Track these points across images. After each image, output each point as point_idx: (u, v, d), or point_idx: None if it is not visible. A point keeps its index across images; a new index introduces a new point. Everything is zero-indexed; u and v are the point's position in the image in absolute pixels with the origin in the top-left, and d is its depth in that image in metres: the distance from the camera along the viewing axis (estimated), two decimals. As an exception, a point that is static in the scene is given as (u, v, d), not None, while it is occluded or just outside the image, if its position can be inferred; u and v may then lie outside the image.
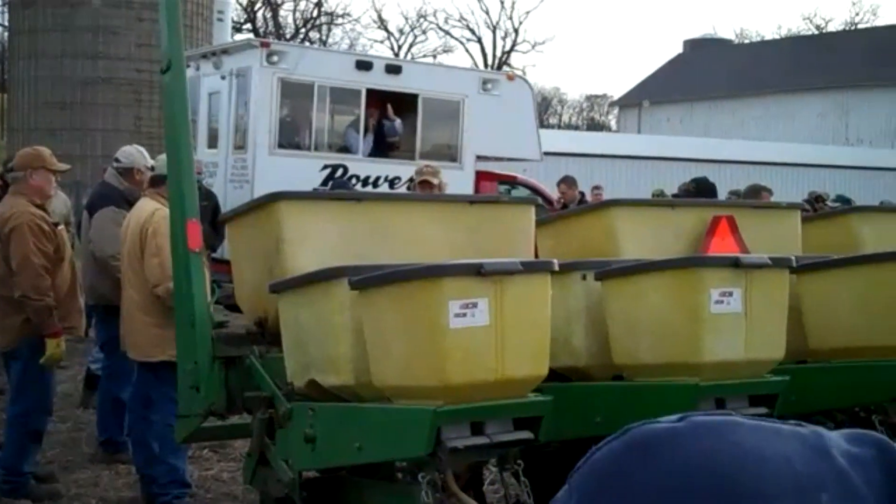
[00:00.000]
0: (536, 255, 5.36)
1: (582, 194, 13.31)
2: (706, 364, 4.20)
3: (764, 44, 58.79)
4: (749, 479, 0.69)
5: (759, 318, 4.26)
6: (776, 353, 4.37)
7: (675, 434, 0.73)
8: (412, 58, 47.96)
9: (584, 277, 4.61)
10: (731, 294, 4.19)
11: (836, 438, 0.75)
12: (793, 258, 4.53)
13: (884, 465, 0.73)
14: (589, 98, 69.77)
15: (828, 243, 5.84)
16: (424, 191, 7.57)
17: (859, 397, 4.88)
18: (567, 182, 12.79)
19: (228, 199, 11.17)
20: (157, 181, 6.04)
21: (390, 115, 12.44)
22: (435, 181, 7.79)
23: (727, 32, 63.67)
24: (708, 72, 50.46)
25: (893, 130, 43.50)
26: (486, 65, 51.74)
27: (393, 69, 12.58)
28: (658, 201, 7.81)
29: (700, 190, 7.76)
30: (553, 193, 13.36)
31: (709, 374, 4.21)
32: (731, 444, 0.71)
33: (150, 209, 5.94)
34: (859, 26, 58.48)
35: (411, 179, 9.94)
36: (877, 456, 0.74)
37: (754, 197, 7.80)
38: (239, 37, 31.90)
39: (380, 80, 12.27)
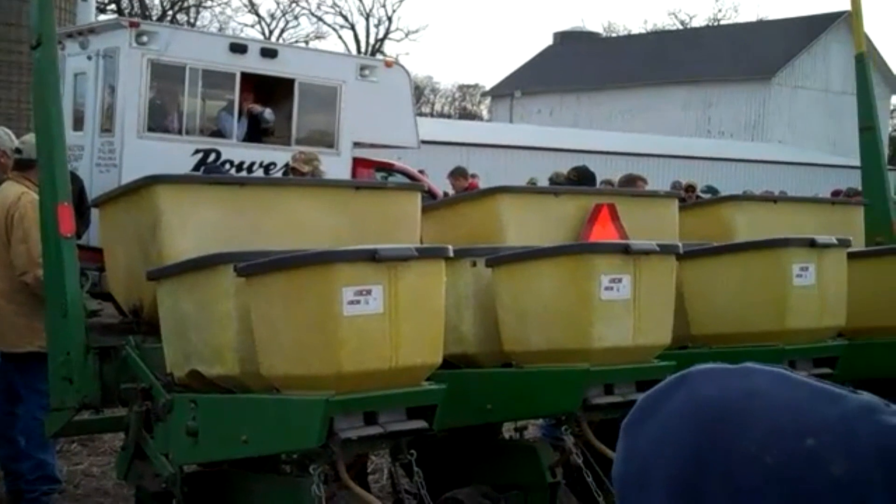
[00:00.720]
0: (422, 243, 5.30)
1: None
2: (596, 350, 4.23)
3: (630, 37, 60.23)
4: (736, 414, 0.83)
5: (648, 305, 4.31)
6: (663, 339, 4.43)
7: (704, 373, 0.90)
8: (284, 43, 47.29)
9: (473, 264, 4.58)
10: (620, 280, 4.22)
11: (879, 404, 0.81)
12: (679, 245, 4.60)
13: None
14: (461, 87, 70.14)
15: (702, 231, 5.96)
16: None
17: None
18: (455, 174, 12.80)
19: (95, 184, 10.74)
20: (23, 164, 5.73)
21: (258, 106, 12.19)
22: (305, 168, 7.64)
23: (595, 26, 64.93)
24: (577, 64, 51.39)
25: (753, 123, 45.20)
26: (359, 52, 51.41)
27: (269, 53, 12.31)
28: (542, 189, 7.86)
29: (581, 179, 7.84)
30: (427, 180, 13.33)
31: (598, 359, 4.24)
32: (741, 383, 0.86)
33: (16, 193, 5.64)
34: (722, 22, 60.49)
35: (287, 165, 9.76)
36: None
37: (630, 186, 7.92)
38: (102, 17, 30.82)
39: (255, 64, 11.98)
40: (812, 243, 4.81)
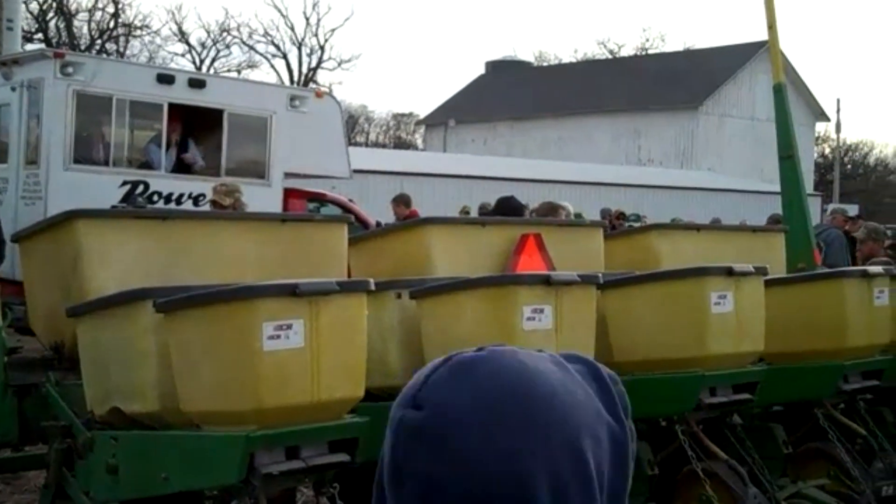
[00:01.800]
0: (349, 274, 5.30)
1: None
2: (520, 380, 4.25)
3: (561, 67, 61.03)
4: (528, 384, 0.97)
5: (569, 334, 4.35)
6: (585, 368, 4.47)
7: (480, 358, 1.02)
8: (215, 72, 47.00)
9: (398, 296, 4.59)
10: (542, 311, 4.27)
11: (561, 359, 1.04)
12: (599, 275, 4.66)
13: (593, 374, 1.04)
14: (396, 116, 70.32)
15: (629, 259, 6.05)
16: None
17: (660, 409, 5.06)
18: (398, 200, 12.79)
19: (20, 217, 10.55)
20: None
21: (190, 144, 12.12)
22: (227, 201, 7.59)
23: (527, 55, 65.66)
24: (509, 93, 51.90)
25: (682, 151, 45.99)
26: (291, 81, 51.28)
27: (197, 83, 12.23)
28: (470, 219, 7.91)
29: (504, 209, 7.88)
30: (363, 211, 13.34)
31: (522, 390, 4.26)
32: (515, 362, 1.00)
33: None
34: (650, 51, 61.58)
35: (214, 197, 9.68)
36: (586, 369, 1.04)
37: (551, 214, 7.96)
38: (30, 47, 30.36)
39: (183, 95, 11.89)
40: (730, 271, 4.91)
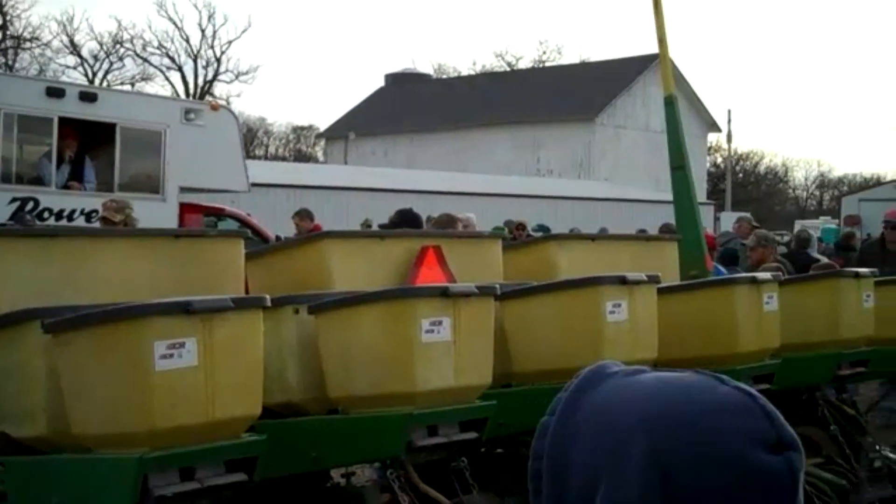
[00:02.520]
0: (247, 290, 5.24)
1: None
2: (419, 393, 4.26)
3: (460, 79, 61.44)
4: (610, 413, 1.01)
5: (468, 346, 4.37)
6: (484, 379, 4.50)
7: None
8: (108, 85, 46.00)
9: (296, 311, 4.55)
10: (440, 323, 4.28)
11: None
12: (497, 286, 4.70)
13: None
14: (295, 129, 69.82)
15: (528, 270, 6.11)
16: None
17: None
18: (301, 215, 12.67)
19: None
20: None
21: (86, 160, 11.84)
22: (117, 217, 7.44)
23: (426, 66, 65.92)
24: (409, 105, 52.06)
25: (580, 162, 46.73)
26: (187, 94, 50.53)
27: (88, 97, 11.95)
28: (368, 233, 7.90)
29: (405, 221, 7.89)
30: (262, 226, 13.19)
31: (422, 402, 4.27)
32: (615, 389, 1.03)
33: None
34: (547, 64, 62.46)
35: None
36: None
37: (449, 226, 8.00)
38: (-88, 59, 29.27)
39: (74, 109, 11.60)
40: (623, 280, 5.00)
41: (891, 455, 6.94)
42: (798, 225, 40.37)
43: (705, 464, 0.94)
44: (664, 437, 0.96)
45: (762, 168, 72.83)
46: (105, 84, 46.82)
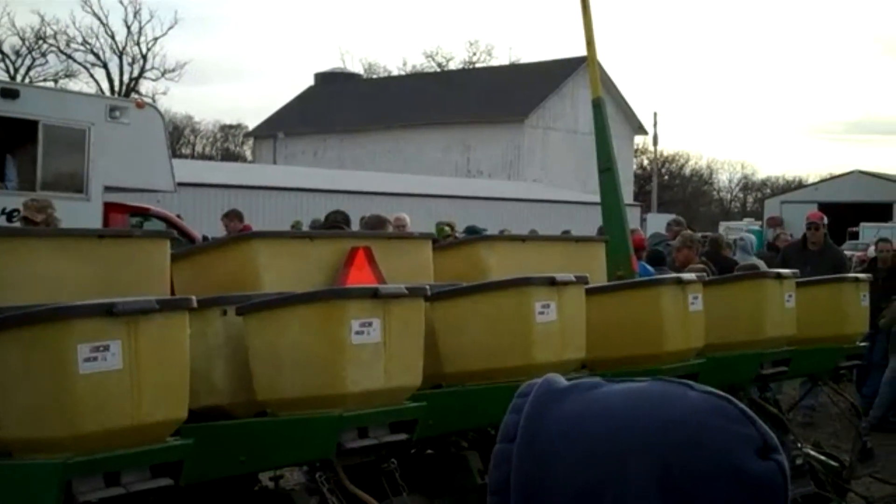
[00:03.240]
0: (173, 291, 5.16)
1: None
2: (349, 395, 4.24)
3: (391, 79, 61.40)
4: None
5: (398, 347, 4.37)
6: (415, 381, 4.50)
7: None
8: (31, 82, 45.00)
9: (224, 313, 4.50)
10: (370, 324, 4.27)
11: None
12: (427, 287, 4.70)
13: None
14: (223, 128, 69.06)
15: (458, 271, 6.13)
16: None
17: (490, 418, 5.14)
18: (230, 215, 12.54)
19: None
20: None
21: (8, 159, 11.58)
22: (38, 217, 7.29)
23: (356, 66, 65.65)
24: (339, 105, 51.84)
25: (509, 163, 47.02)
26: (112, 91, 49.69)
27: (9, 93, 11.68)
28: (297, 233, 7.84)
29: (333, 223, 7.84)
30: (189, 226, 13.03)
31: (352, 404, 4.25)
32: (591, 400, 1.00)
33: None
34: (477, 65, 62.72)
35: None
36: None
37: (377, 227, 7.99)
38: None
39: (-6, 105, 11.34)
40: (552, 281, 5.04)
41: (812, 452, 7.11)
42: (722, 226, 41.15)
43: (713, 476, 0.93)
44: (668, 451, 0.94)
45: (688, 170, 74.10)
46: (27, 81, 45.80)
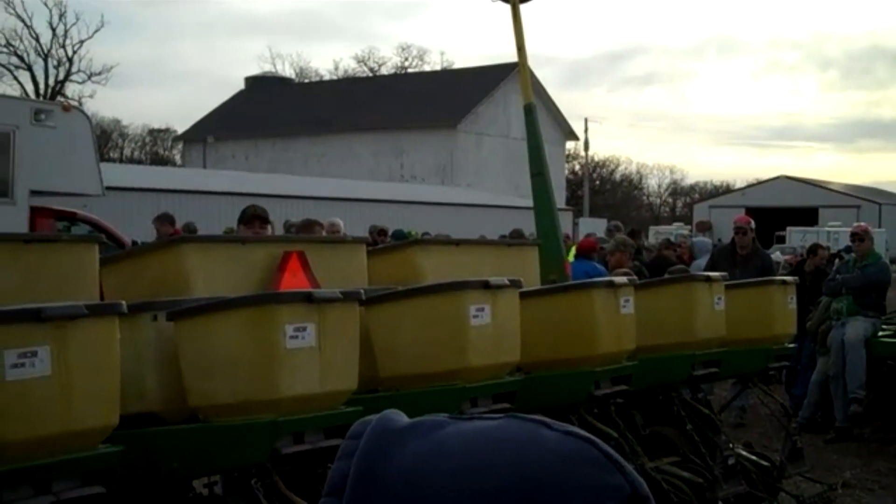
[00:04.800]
0: (103, 297, 5.07)
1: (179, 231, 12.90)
2: (284, 399, 4.20)
3: (323, 83, 61.16)
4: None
5: (333, 351, 4.34)
6: (350, 385, 4.47)
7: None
8: (-48, 84, 43.89)
9: (154, 318, 4.43)
10: (304, 329, 4.23)
11: None
12: (361, 291, 4.68)
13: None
14: (152, 132, 68.08)
15: (392, 275, 6.12)
16: None
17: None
18: (161, 219, 12.35)
19: None
20: None
21: None
22: None
23: (287, 70, 65.19)
24: (271, 109, 51.46)
25: (443, 168, 47.10)
26: (38, 94, 48.68)
27: (-70, 95, 11.39)
28: (229, 237, 7.74)
29: (256, 215, 7.60)
30: (118, 230, 12.81)
31: (287, 409, 4.21)
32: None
33: None
34: (409, 70, 62.76)
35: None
36: None
37: (309, 231, 7.94)
38: None
39: (-86, 107, 11.05)
40: (486, 285, 5.06)
41: (743, 452, 7.24)
42: (652, 231, 41.71)
43: None
44: None
45: (618, 175, 75.02)
46: (-52, 82, 44.65)
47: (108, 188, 14.54)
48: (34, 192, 12.12)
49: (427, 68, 62.59)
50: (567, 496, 0.82)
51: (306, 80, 64.37)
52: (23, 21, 50.95)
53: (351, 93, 52.56)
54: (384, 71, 63.88)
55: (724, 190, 68.49)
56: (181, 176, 37.44)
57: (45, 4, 52.44)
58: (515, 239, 12.79)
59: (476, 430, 0.87)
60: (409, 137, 47.52)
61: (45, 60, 50.87)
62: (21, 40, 51.30)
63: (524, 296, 5.51)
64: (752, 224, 10.30)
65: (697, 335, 6.75)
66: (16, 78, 51.29)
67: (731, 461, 6.74)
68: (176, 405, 4.42)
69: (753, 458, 7.33)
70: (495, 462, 0.83)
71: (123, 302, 3.86)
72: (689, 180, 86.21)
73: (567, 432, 0.86)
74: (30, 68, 50.85)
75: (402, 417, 0.90)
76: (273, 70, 62.86)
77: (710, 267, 9.61)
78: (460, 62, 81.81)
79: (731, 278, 7.64)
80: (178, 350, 4.37)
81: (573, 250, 10.65)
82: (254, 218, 7.02)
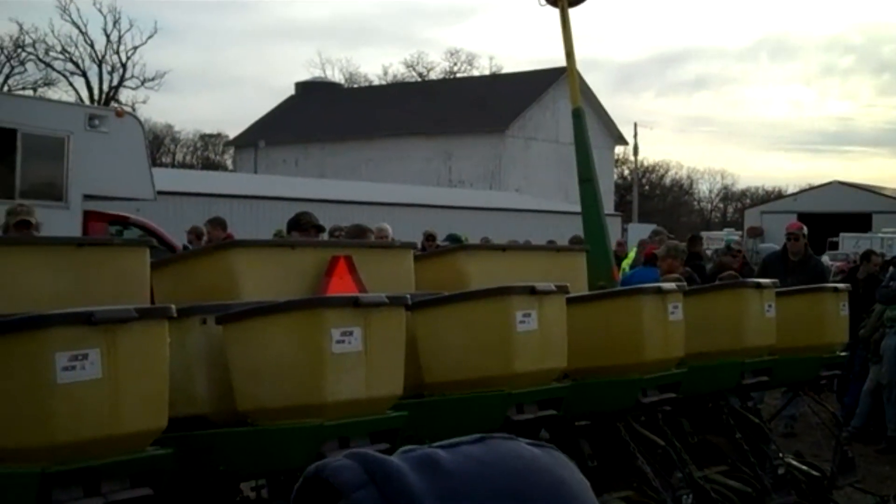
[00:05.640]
0: (153, 300, 5.14)
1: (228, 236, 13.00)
2: (330, 404, 4.22)
3: (372, 89, 61.39)
4: None
5: (379, 356, 4.35)
6: (396, 390, 4.48)
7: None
8: (9, 90, 44.77)
9: (204, 322, 4.47)
10: (351, 333, 4.25)
11: None
12: (408, 296, 4.69)
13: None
14: (203, 137, 68.87)
15: (439, 280, 6.12)
16: (22, 232, 7.04)
17: (471, 427, 5.13)
18: (213, 223, 12.49)
19: None
20: None
21: None
22: (34, 220, 7.27)
23: (336, 75, 65.57)
24: (321, 114, 51.78)
25: (490, 173, 47.07)
26: (92, 100, 49.48)
27: (-13, 102, 11.63)
28: (278, 241, 7.81)
29: (309, 223, 7.66)
30: (169, 234, 12.97)
31: (332, 413, 4.23)
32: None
33: None
34: (458, 75, 62.82)
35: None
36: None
37: (360, 237, 7.97)
38: None
39: (-28, 114, 11.28)
40: (533, 290, 5.04)
41: (794, 462, 7.14)
42: (703, 236, 41.28)
43: None
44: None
45: (668, 180, 74.44)
46: (6, 89, 45.56)
47: (160, 193, 14.74)
48: (87, 197, 12.32)
49: (476, 73, 62.64)
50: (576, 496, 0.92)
51: (355, 86, 64.70)
52: (78, 28, 51.69)
53: (400, 98, 52.74)
54: (433, 76, 64.05)
55: (775, 195, 67.66)
56: (232, 181, 37.80)
57: (100, 11, 53.42)
58: (570, 245, 12.74)
59: (481, 453, 0.91)
60: (457, 142, 47.55)
61: (100, 66, 51.72)
62: (76, 47, 52.22)
63: (571, 302, 5.48)
64: (805, 230, 10.16)
65: (747, 342, 6.67)
66: (71, 84, 52.18)
67: (780, 471, 6.65)
68: (225, 408, 4.46)
69: (804, 467, 7.23)
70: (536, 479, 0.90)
71: (173, 305, 3.91)
72: (741, 185, 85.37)
73: (540, 445, 0.95)
74: (84, 74, 51.71)
75: (380, 457, 0.91)
76: (323, 75, 63.26)
77: (761, 273, 9.50)
78: (509, 66, 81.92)
79: (783, 285, 7.55)
80: (226, 353, 4.41)
81: (632, 255, 10.56)
82: (311, 227, 7.11)
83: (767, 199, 67.05)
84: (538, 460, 0.92)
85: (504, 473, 0.89)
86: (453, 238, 15.60)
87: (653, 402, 5.90)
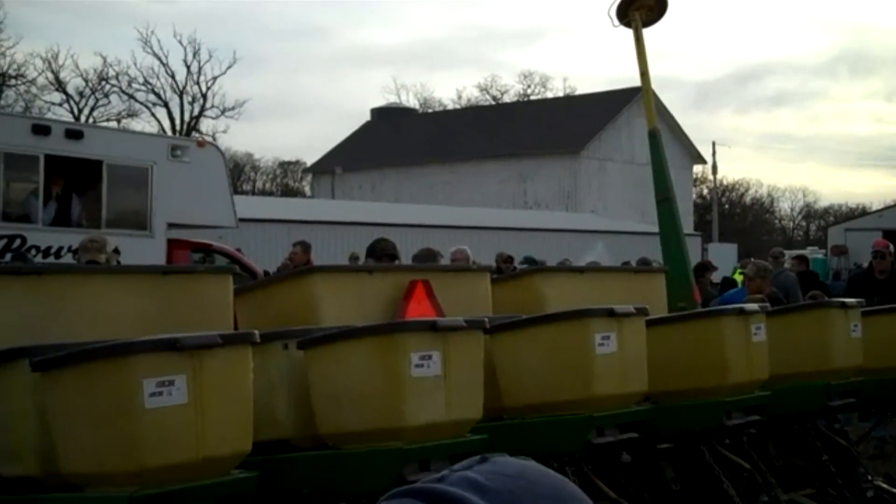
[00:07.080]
0: (236, 326, 5.22)
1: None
2: (409, 428, 4.24)
3: (447, 113, 61.67)
4: None
5: (458, 380, 4.36)
6: (475, 413, 4.49)
7: None
8: (94, 122, 46.01)
9: (285, 347, 4.54)
10: (430, 357, 4.27)
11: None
12: (486, 319, 4.69)
13: None
14: (282, 164, 69.88)
15: (515, 302, 6.11)
16: None
17: (551, 449, 5.10)
18: (303, 245, 12.67)
19: None
20: None
21: (73, 198, 11.86)
22: (102, 257, 7.40)
23: (411, 100, 66.02)
24: (396, 139, 52.21)
25: (566, 194, 46.89)
26: (174, 130, 50.57)
27: (74, 134, 11.96)
28: (356, 267, 7.88)
29: (385, 250, 7.72)
30: (250, 261, 13.19)
31: (412, 437, 4.25)
32: None
33: None
34: (532, 97, 62.78)
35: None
36: None
37: (430, 260, 7.98)
38: None
39: (59, 146, 11.61)
40: (611, 313, 5.01)
41: (883, 485, 6.94)
42: (786, 255, 40.48)
43: None
44: None
45: (748, 199, 73.22)
46: (91, 121, 46.84)
47: (241, 220, 14.99)
48: (171, 225, 12.59)
49: (549, 95, 62.53)
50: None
51: (430, 110, 65.07)
52: (159, 59, 52.93)
53: (474, 121, 52.90)
54: (507, 99, 64.08)
55: (859, 212, 66.05)
56: (310, 207, 38.30)
57: (180, 42, 54.49)
58: (646, 266, 12.61)
59: (513, 469, 0.95)
60: (532, 164, 47.49)
61: (181, 97, 52.84)
62: (158, 78, 53.43)
63: (651, 324, 5.43)
64: (892, 248, 9.91)
65: (833, 364, 6.52)
66: (153, 115, 53.40)
67: (869, 493, 6.47)
68: (307, 432, 4.51)
69: (894, 490, 7.02)
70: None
71: (256, 331, 3.97)
72: (823, 203, 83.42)
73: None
74: (166, 105, 52.87)
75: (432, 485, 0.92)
76: (398, 100, 63.76)
77: (846, 293, 9.28)
78: (583, 88, 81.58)
79: (869, 304, 7.37)
80: (307, 378, 4.46)
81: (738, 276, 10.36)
82: (384, 255, 7.15)
83: (851, 216, 65.49)
84: (535, 466, 0.98)
85: (532, 482, 0.95)
86: (530, 260, 15.60)
87: (737, 425, 5.80)
